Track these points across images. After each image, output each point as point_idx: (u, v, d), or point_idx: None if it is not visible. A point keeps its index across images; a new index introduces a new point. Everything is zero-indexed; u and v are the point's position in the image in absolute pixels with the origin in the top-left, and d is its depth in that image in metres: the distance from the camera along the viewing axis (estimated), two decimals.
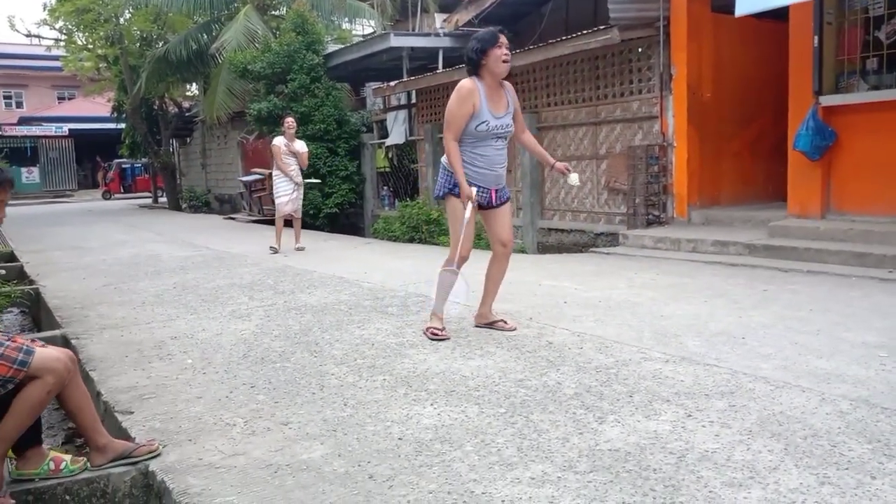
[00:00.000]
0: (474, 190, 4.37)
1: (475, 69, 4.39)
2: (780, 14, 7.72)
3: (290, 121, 10.08)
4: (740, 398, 3.26)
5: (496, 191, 4.55)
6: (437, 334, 4.51)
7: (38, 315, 7.33)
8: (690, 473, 2.53)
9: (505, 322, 4.72)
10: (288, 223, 10.18)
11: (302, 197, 10.23)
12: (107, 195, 32.14)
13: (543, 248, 10.64)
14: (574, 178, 4.58)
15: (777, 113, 8.42)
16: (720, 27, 8.93)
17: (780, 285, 5.90)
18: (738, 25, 8.38)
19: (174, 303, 6.20)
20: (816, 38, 7.58)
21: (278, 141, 9.90)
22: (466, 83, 4.39)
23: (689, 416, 3.07)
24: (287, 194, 9.90)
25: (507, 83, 4.54)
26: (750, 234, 7.67)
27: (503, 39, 4.38)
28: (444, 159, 4.52)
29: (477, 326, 4.76)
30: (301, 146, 10.06)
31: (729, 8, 7.69)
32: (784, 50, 7.89)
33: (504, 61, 4.35)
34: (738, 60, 9.19)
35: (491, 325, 4.73)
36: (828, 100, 7.55)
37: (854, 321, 4.62)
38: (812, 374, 3.57)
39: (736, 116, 9.29)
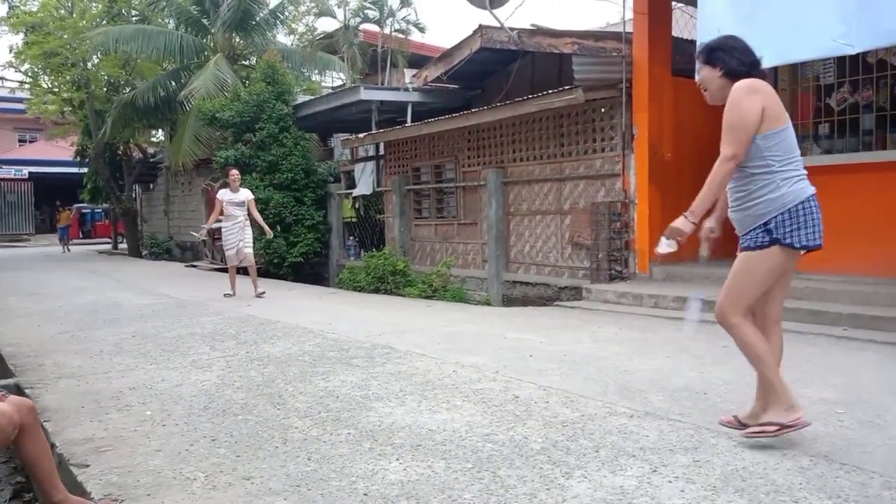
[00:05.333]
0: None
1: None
2: None
3: (234, 172, 10.18)
4: (704, 453, 3.30)
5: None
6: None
7: None
8: None
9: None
10: (245, 271, 10.15)
11: (250, 245, 10.15)
12: None
13: (508, 301, 10.70)
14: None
15: None
16: (679, 90, 9.25)
17: None
18: (697, 89, 8.63)
19: (133, 352, 6.07)
20: None
21: (221, 194, 9.98)
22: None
23: (655, 471, 3.09)
24: (234, 245, 9.89)
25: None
26: (709, 291, 7.80)
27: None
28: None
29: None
30: (245, 195, 10.08)
31: (687, 72, 7.96)
32: None
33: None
34: (696, 122, 9.49)
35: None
36: None
37: (812, 377, 4.71)
38: None
39: (695, 175, 9.44)
